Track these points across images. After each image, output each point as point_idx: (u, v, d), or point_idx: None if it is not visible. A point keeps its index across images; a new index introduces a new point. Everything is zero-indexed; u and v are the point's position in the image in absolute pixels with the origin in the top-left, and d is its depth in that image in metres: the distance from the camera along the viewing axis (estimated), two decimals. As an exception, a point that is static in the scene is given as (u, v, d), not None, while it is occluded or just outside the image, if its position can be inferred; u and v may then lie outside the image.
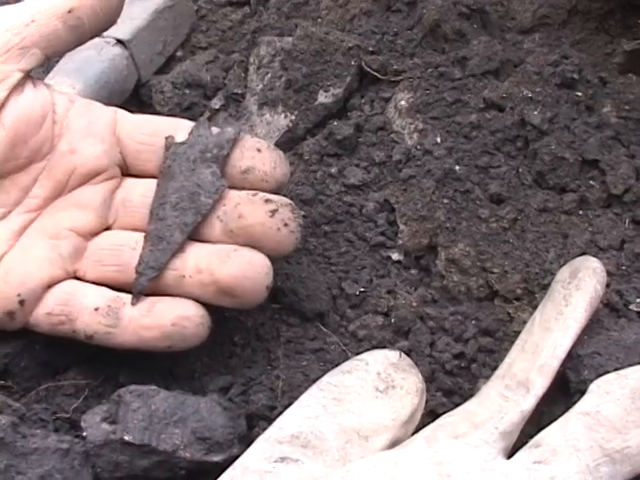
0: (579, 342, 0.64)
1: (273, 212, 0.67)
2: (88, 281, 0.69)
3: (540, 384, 0.61)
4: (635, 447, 0.57)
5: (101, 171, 0.71)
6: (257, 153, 0.70)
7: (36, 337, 0.69)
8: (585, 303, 0.64)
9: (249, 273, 0.66)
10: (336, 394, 0.63)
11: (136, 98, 0.94)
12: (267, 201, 0.68)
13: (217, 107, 0.89)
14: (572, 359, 0.64)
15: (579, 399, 0.61)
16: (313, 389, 0.64)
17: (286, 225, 0.68)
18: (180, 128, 0.72)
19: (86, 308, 0.67)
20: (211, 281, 0.66)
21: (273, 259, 0.68)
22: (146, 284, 0.67)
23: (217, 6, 1.01)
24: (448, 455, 0.58)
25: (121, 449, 0.62)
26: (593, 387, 0.61)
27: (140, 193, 0.71)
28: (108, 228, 0.72)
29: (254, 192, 0.69)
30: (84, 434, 0.63)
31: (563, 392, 0.64)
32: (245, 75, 0.90)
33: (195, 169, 0.70)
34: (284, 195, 0.71)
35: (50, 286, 0.68)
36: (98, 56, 0.90)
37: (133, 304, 0.67)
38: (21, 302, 0.67)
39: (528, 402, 0.60)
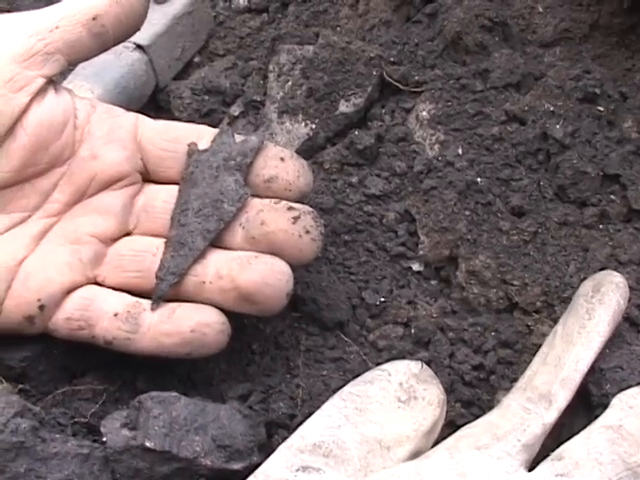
0: (601, 356, 0.64)
1: (295, 219, 0.67)
2: (108, 287, 0.69)
3: (562, 397, 0.61)
4: (657, 461, 0.58)
5: (122, 177, 0.71)
6: (281, 162, 0.71)
7: (54, 341, 0.69)
8: (608, 317, 0.64)
9: (270, 280, 0.66)
10: (358, 404, 0.62)
11: (154, 103, 0.94)
12: (289, 209, 0.68)
13: (236, 114, 0.89)
14: (594, 373, 0.64)
15: (601, 413, 0.61)
16: (335, 398, 0.63)
17: (308, 232, 0.68)
18: (202, 135, 0.72)
19: (106, 313, 0.67)
20: (232, 287, 0.66)
21: (294, 267, 0.68)
22: (166, 290, 0.67)
23: (235, 13, 1.01)
24: (470, 466, 0.58)
25: (141, 455, 0.62)
26: (615, 401, 0.61)
27: (162, 199, 0.71)
28: (129, 234, 0.72)
29: (277, 200, 0.69)
30: (104, 439, 0.63)
31: (585, 406, 0.64)
32: (264, 82, 0.90)
33: (218, 176, 0.70)
34: (305, 204, 0.71)
35: (70, 291, 0.68)
36: (117, 61, 0.90)
37: (153, 310, 0.67)
38: (41, 307, 0.66)
39: (550, 415, 0.60)
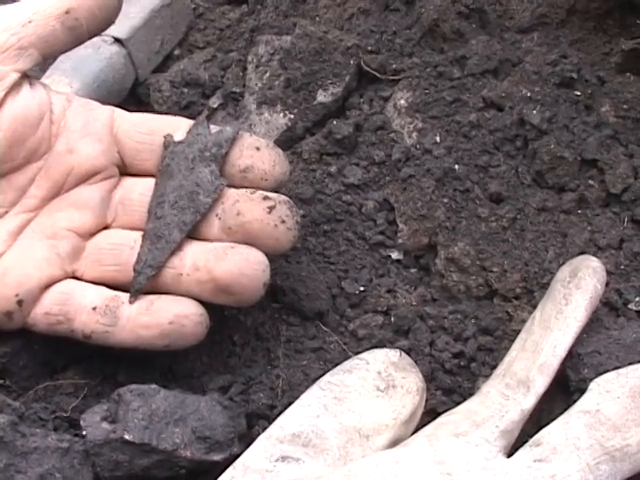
0: (579, 341, 0.65)
1: (271, 209, 0.67)
2: (87, 281, 0.69)
3: (541, 383, 0.61)
4: (635, 445, 0.58)
5: (99, 171, 0.71)
6: (256, 152, 0.70)
7: (34, 336, 0.69)
8: (585, 302, 0.64)
9: (246, 270, 0.66)
10: (337, 393, 0.63)
11: (134, 97, 0.94)
12: (265, 198, 0.68)
13: (215, 106, 0.89)
14: (572, 358, 0.64)
15: (579, 398, 0.61)
16: (314, 388, 0.64)
17: (283, 222, 0.68)
18: (178, 126, 0.72)
19: (84, 307, 0.67)
20: (209, 279, 0.66)
21: (272, 257, 0.68)
22: (144, 283, 0.67)
23: (214, 4, 1.01)
24: (449, 453, 0.58)
25: (121, 448, 0.62)
26: (593, 386, 0.61)
27: (139, 192, 0.71)
28: (106, 227, 0.71)
29: (252, 190, 0.69)
30: (84, 433, 0.63)
31: (563, 391, 0.65)
32: (243, 74, 0.90)
33: (194, 168, 0.70)
34: (283, 194, 0.71)
35: (48, 286, 0.68)
36: (95, 55, 0.90)
37: (131, 302, 0.67)
38: (19, 302, 0.66)
39: (529, 401, 0.61)
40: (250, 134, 0.73)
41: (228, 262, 0.66)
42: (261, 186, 0.70)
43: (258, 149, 0.71)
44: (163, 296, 0.68)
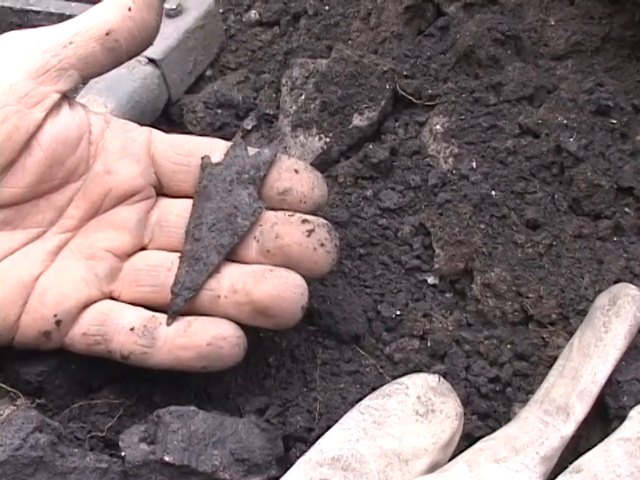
0: (618, 368, 0.64)
1: (310, 232, 0.68)
2: (124, 302, 0.69)
3: (580, 410, 0.61)
4: (676, 473, 0.58)
5: (136, 191, 0.71)
6: (295, 174, 0.71)
7: (70, 355, 0.69)
8: (625, 330, 0.64)
9: (285, 293, 0.66)
10: (376, 417, 0.63)
11: (166, 117, 0.94)
12: (304, 221, 0.68)
13: (249, 128, 0.90)
14: (611, 385, 0.64)
15: (618, 425, 0.61)
16: (353, 412, 0.64)
17: (322, 245, 0.68)
18: (215, 148, 0.72)
19: (122, 328, 0.67)
20: (247, 301, 0.66)
21: (309, 280, 0.68)
22: (182, 305, 0.67)
23: (247, 26, 1.02)
24: (489, 479, 0.58)
25: (160, 469, 0.62)
26: (633, 413, 0.61)
27: (176, 213, 0.71)
28: (144, 248, 0.72)
29: (291, 212, 0.69)
30: (122, 454, 0.63)
31: (602, 418, 0.65)
32: (276, 96, 0.90)
33: (232, 190, 0.70)
34: (320, 217, 0.71)
35: (86, 307, 0.68)
36: (130, 75, 0.90)
37: (168, 324, 0.67)
38: (57, 322, 0.67)
39: (568, 427, 0.61)
40: (288, 156, 0.74)
41: (267, 285, 0.66)
42: (299, 209, 0.70)
43: (297, 172, 0.71)
44: (200, 317, 0.68)
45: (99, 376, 0.71)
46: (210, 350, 0.66)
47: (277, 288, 0.66)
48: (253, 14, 1.02)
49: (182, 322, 0.67)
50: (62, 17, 1.01)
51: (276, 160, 0.71)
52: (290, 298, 0.66)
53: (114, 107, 0.87)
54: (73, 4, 1.04)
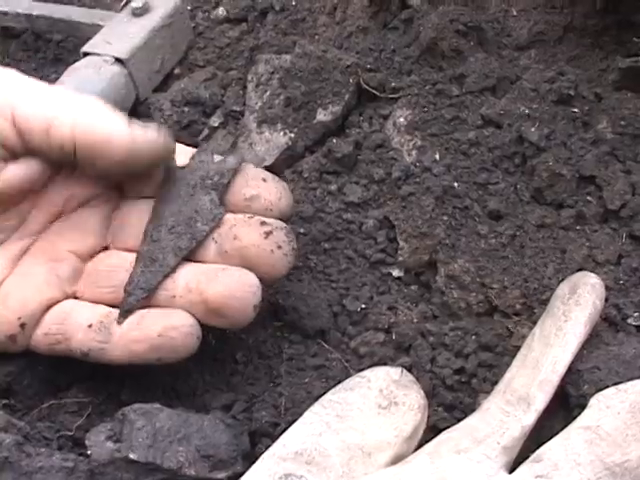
0: (579, 357, 0.65)
1: (267, 234, 0.68)
2: (86, 302, 0.70)
3: (541, 399, 0.62)
4: (635, 460, 0.58)
5: (100, 194, 0.71)
6: (262, 182, 0.71)
7: (39, 356, 0.69)
8: (585, 318, 0.65)
9: (237, 292, 0.66)
10: (339, 411, 0.63)
11: (135, 116, 0.93)
12: (262, 223, 0.68)
13: (216, 125, 0.90)
14: (572, 374, 0.64)
15: (579, 414, 0.61)
16: (316, 406, 0.64)
17: (280, 247, 0.68)
18: (180, 152, 0.72)
19: (80, 325, 0.67)
20: (200, 300, 0.66)
21: (269, 281, 0.69)
22: (134, 304, 0.67)
23: (215, 23, 1.02)
24: (451, 470, 0.58)
25: (126, 467, 0.63)
26: (593, 401, 0.61)
27: (137, 215, 0.71)
28: (107, 248, 0.72)
29: (250, 215, 0.69)
30: (89, 452, 0.63)
31: (563, 407, 0.65)
32: (243, 92, 0.90)
33: (194, 195, 0.70)
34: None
35: (49, 308, 0.68)
36: (97, 75, 0.91)
37: (119, 323, 0.67)
38: (22, 325, 0.67)
39: (529, 417, 0.61)
40: (255, 166, 0.74)
41: (219, 284, 0.66)
42: (265, 216, 0.70)
43: (264, 180, 0.71)
44: (153, 310, 0.68)
45: (68, 375, 0.71)
46: (162, 341, 0.66)
47: (229, 287, 0.66)
48: (221, 11, 1.02)
49: (136, 316, 0.67)
50: (30, 18, 1.02)
51: (243, 168, 0.71)
52: (242, 297, 0.66)
53: (81, 107, 0.87)
54: (41, 4, 1.04)
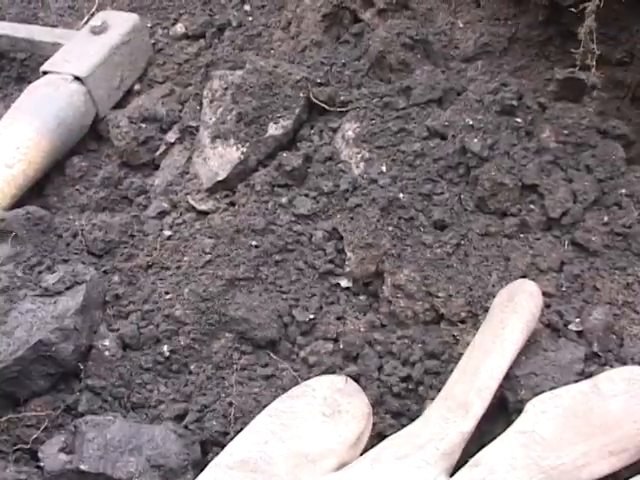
0: (517, 363, 0.66)
1: None
2: None
3: (479, 405, 0.63)
4: (570, 463, 0.59)
5: None
6: None
7: (-3, 370, 0.70)
8: (522, 325, 0.66)
9: None
10: (284, 419, 0.64)
11: (95, 133, 0.96)
12: None
13: (172, 141, 0.91)
14: (510, 380, 0.66)
15: (517, 418, 0.63)
16: (262, 415, 0.65)
17: None
18: None
19: None
20: None
21: (224, 287, 0.70)
22: None
23: (173, 40, 1.03)
24: (391, 476, 0.60)
25: (77, 478, 0.64)
26: (529, 407, 0.63)
27: None
28: None
29: None
30: (42, 464, 0.65)
31: (503, 412, 0.66)
32: (200, 108, 0.91)
33: None
34: (236, 225, 0.74)
35: None
36: (55, 93, 0.92)
37: None
38: None
39: (468, 423, 0.62)
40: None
41: None
42: None
43: None
44: None
45: (26, 389, 0.72)
46: None
47: None
48: (179, 27, 1.03)
49: None
50: (30, 42, 1.03)
51: None
52: None
53: (40, 125, 0.88)
54: (4, 23, 1.05)
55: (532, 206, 0.77)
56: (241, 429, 0.66)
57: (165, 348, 0.75)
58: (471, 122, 0.79)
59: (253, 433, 0.64)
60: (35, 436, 0.69)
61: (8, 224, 0.77)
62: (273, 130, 0.85)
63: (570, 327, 0.71)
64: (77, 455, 0.65)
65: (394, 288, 0.75)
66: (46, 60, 0.98)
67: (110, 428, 0.67)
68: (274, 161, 0.84)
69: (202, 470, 0.63)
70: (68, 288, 0.74)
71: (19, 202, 0.87)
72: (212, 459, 0.65)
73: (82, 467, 0.64)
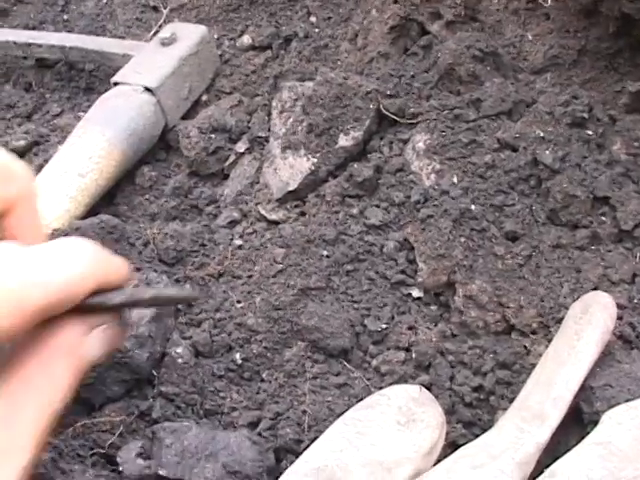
0: (592, 375, 0.66)
1: None
2: None
3: (554, 416, 0.63)
4: (647, 475, 0.59)
5: None
6: None
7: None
8: (597, 337, 0.66)
9: None
10: (360, 428, 0.65)
11: (164, 143, 0.97)
12: None
13: (242, 151, 0.92)
14: (585, 391, 0.66)
15: (592, 430, 0.63)
16: (338, 423, 0.66)
17: None
18: None
19: None
20: None
21: (297, 297, 0.71)
22: None
23: (240, 51, 1.04)
24: (467, 485, 0.60)
25: (155, 483, 0.65)
26: (605, 418, 0.63)
27: None
28: None
29: None
30: (120, 469, 0.66)
31: (577, 423, 0.66)
32: (268, 118, 0.93)
33: None
34: (307, 235, 0.75)
35: None
36: (126, 104, 0.94)
37: None
38: None
39: (543, 434, 0.63)
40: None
41: None
42: None
43: None
44: None
45: (101, 395, 0.73)
46: None
47: None
48: (246, 39, 1.05)
49: None
50: (63, 49, 1.05)
51: None
52: None
53: (112, 135, 0.90)
54: (73, 36, 1.07)
55: (603, 218, 0.77)
56: (315, 437, 0.67)
57: (237, 356, 0.76)
58: (542, 134, 0.79)
59: (329, 441, 0.65)
60: (111, 441, 0.70)
61: (83, 233, 0.78)
62: (344, 141, 0.86)
63: (643, 339, 0.71)
64: (155, 460, 0.66)
65: (465, 298, 0.75)
66: (115, 71, 0.99)
67: (187, 434, 0.67)
68: (345, 172, 0.85)
69: (277, 477, 0.64)
70: None
71: (91, 211, 0.88)
72: (286, 466, 0.66)
73: (161, 472, 0.65)
